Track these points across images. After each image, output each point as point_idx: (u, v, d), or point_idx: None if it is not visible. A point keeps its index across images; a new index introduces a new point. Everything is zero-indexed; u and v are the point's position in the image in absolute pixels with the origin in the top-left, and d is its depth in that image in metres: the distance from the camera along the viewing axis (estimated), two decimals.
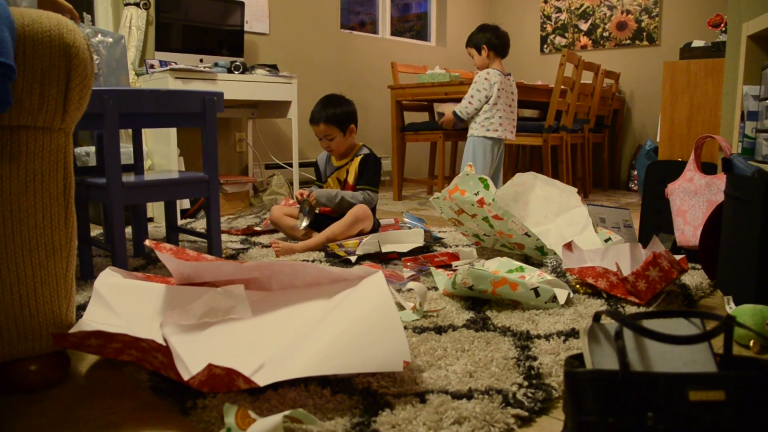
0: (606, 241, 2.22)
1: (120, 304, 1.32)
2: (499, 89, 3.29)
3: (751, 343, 1.41)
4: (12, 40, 1.05)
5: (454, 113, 3.38)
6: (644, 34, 5.22)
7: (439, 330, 1.47)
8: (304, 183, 4.09)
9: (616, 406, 0.78)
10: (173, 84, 3.24)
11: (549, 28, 5.81)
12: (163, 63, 3.50)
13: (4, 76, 1.02)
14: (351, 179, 2.67)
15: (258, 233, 2.91)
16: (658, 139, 4.01)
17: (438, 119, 3.78)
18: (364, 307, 1.21)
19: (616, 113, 5.31)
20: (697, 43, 3.92)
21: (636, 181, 5.10)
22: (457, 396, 1.10)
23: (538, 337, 1.42)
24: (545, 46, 5.86)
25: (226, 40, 3.98)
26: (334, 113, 2.61)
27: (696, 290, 1.84)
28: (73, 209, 1.22)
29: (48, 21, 1.13)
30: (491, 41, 3.32)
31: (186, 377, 1.08)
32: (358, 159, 2.67)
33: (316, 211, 2.62)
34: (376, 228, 2.65)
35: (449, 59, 5.79)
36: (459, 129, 4.05)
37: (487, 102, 3.23)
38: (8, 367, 1.16)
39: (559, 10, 5.73)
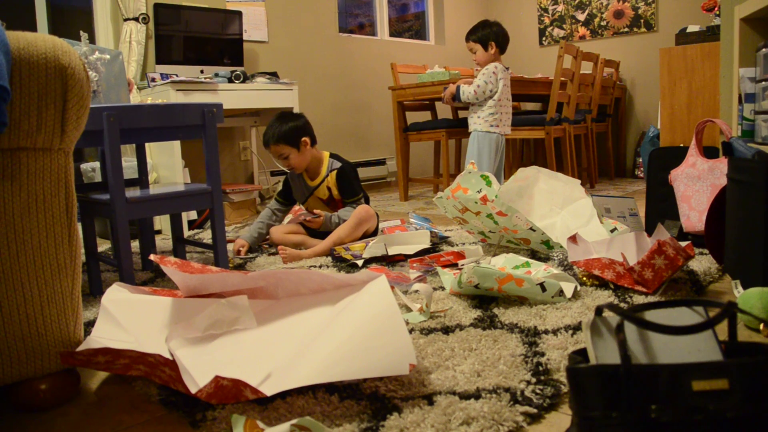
0: (612, 231, 2.21)
1: (127, 320, 1.34)
2: (503, 85, 3.30)
3: (761, 326, 1.40)
4: (7, 63, 1.06)
5: (458, 87, 3.37)
6: (642, 21, 5.19)
7: (447, 330, 1.47)
8: None
9: (619, 400, 0.78)
10: (175, 96, 3.26)
11: (547, 21, 5.80)
12: (164, 76, 3.52)
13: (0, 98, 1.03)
14: (335, 195, 2.64)
15: (265, 241, 2.91)
16: (659, 126, 3.99)
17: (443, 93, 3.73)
18: (369, 311, 1.22)
19: (618, 102, 5.29)
20: (692, 28, 3.90)
21: (642, 168, 5.07)
22: (465, 396, 1.10)
23: (546, 332, 1.42)
24: (544, 38, 5.85)
25: (226, 50, 4.00)
26: (282, 131, 2.55)
27: (704, 276, 1.83)
28: (76, 227, 1.23)
29: (43, 44, 1.14)
30: (498, 37, 3.33)
31: (193, 390, 1.08)
32: (333, 174, 2.62)
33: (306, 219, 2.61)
34: (377, 229, 2.65)
35: (448, 57, 5.79)
36: (455, 124, 4.05)
37: (491, 97, 3.23)
38: (18, 387, 1.17)
39: (555, 2, 5.71)
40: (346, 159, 2.73)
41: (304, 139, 2.59)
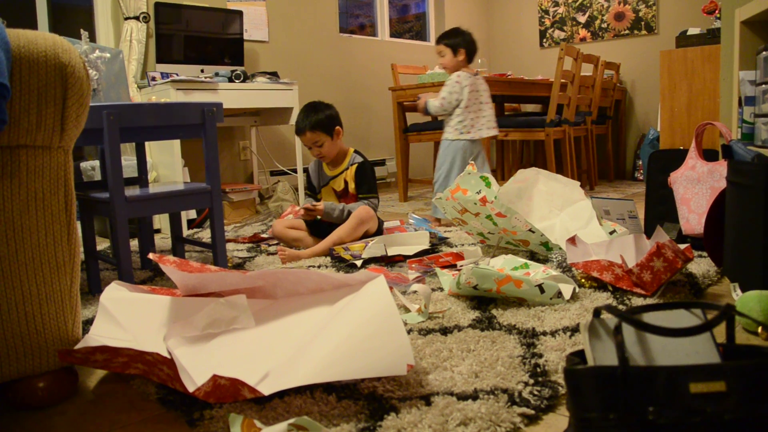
0: (611, 233, 2.21)
1: (126, 318, 1.34)
2: (470, 92, 3.33)
3: (760, 329, 1.40)
4: (7, 61, 1.06)
5: (427, 102, 3.40)
6: (642, 23, 5.20)
7: (445, 331, 1.47)
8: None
9: (616, 401, 0.78)
10: (175, 95, 3.26)
11: (547, 23, 5.80)
12: (164, 75, 3.52)
13: None
14: (351, 189, 2.67)
15: (264, 240, 2.92)
16: (659, 128, 3.99)
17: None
18: (367, 312, 1.22)
19: (618, 104, 5.29)
20: (693, 31, 3.90)
21: (641, 171, 5.08)
22: (462, 397, 1.10)
23: (544, 333, 1.42)
24: (544, 40, 5.85)
25: (226, 50, 4.00)
26: (318, 119, 2.60)
27: (703, 278, 1.83)
28: (75, 226, 1.23)
29: (44, 42, 1.14)
30: (469, 46, 3.38)
31: (191, 389, 1.09)
32: (353, 168, 2.66)
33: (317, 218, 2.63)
34: (380, 229, 2.65)
35: None
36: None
37: (458, 105, 3.26)
38: (16, 385, 1.17)
39: (556, 4, 5.72)
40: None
41: (337, 128, 2.66)
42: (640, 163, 5.08)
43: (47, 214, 1.18)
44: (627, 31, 5.30)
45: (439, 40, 3.40)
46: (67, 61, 1.16)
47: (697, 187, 2.10)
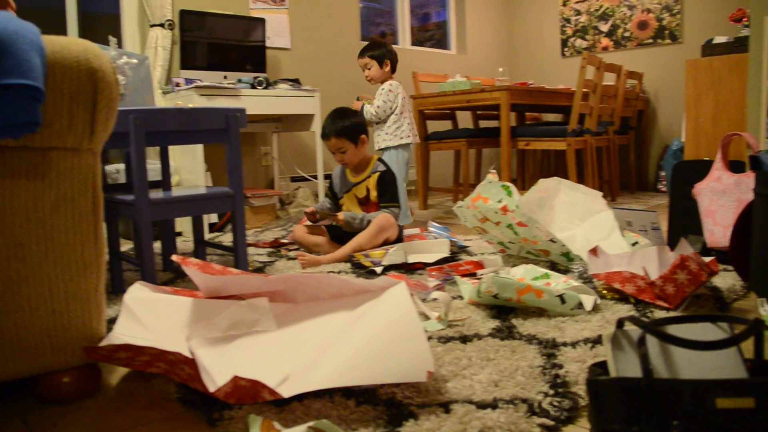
0: (633, 244, 2.19)
1: (148, 318, 1.35)
2: (403, 98, 3.40)
3: None
4: (42, 66, 1.09)
5: (363, 107, 3.46)
6: (666, 32, 5.16)
7: (464, 339, 1.47)
8: None
9: (640, 414, 0.77)
10: (198, 101, 3.30)
11: (569, 31, 5.78)
12: (188, 81, 3.56)
13: (34, 98, 1.06)
14: (373, 197, 2.67)
15: (285, 245, 2.93)
16: (683, 139, 3.94)
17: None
18: (388, 317, 1.22)
19: (641, 114, 5.24)
20: (719, 39, 3.85)
21: (664, 182, 5.02)
22: (481, 406, 1.10)
23: (565, 344, 1.41)
24: (566, 49, 5.83)
25: (249, 57, 4.04)
26: (344, 126, 2.63)
27: (728, 293, 1.81)
28: (102, 226, 1.25)
29: (76, 47, 1.17)
30: (392, 56, 3.53)
31: (212, 389, 1.10)
32: (375, 176, 2.68)
33: (333, 223, 2.65)
34: (400, 237, 2.65)
35: (470, 67, 5.79)
36: (475, 133, 4.04)
37: (393, 113, 3.35)
38: (42, 380, 1.20)
39: (578, 13, 5.69)
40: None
41: (362, 136, 2.68)
42: (663, 174, 5.02)
43: (76, 215, 1.20)
44: (650, 40, 5.26)
45: (362, 53, 3.53)
46: (98, 66, 1.18)
47: (722, 199, 2.08)
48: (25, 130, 1.07)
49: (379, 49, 3.50)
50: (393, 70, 3.53)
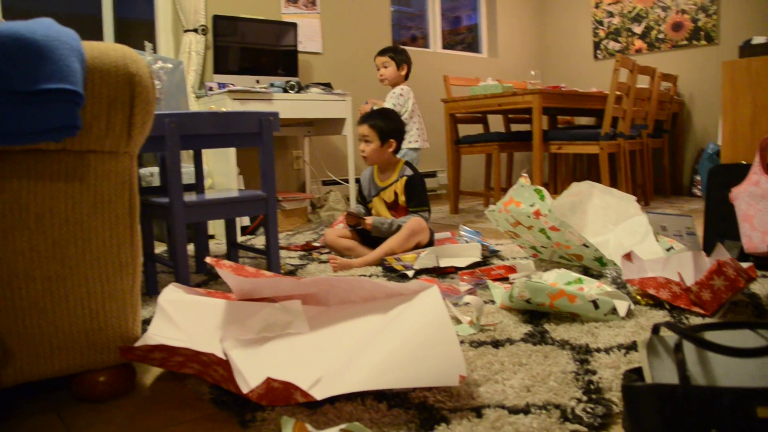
0: (668, 250, 2.15)
1: (182, 319, 1.37)
2: (413, 103, 3.40)
3: None
4: (82, 71, 1.12)
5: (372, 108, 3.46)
6: (702, 33, 5.06)
7: (496, 344, 1.46)
8: None
9: (676, 422, 0.76)
10: (231, 105, 3.34)
11: (602, 34, 5.71)
12: (221, 85, 3.61)
13: (74, 102, 1.08)
14: (401, 201, 2.67)
15: (316, 249, 2.95)
16: (719, 142, 3.86)
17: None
18: (420, 321, 1.22)
19: (676, 117, 5.15)
20: (758, 40, 3.76)
21: (699, 186, 4.92)
22: (514, 411, 1.09)
23: (598, 350, 1.39)
24: (598, 51, 5.76)
25: (281, 61, 4.08)
26: (378, 122, 2.66)
27: (767, 299, 1.76)
28: (138, 228, 1.28)
29: (114, 53, 1.19)
30: (409, 63, 3.59)
31: (245, 390, 1.11)
32: (402, 180, 2.67)
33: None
34: (431, 241, 2.65)
35: (501, 70, 5.75)
36: (507, 137, 4.01)
37: (402, 117, 3.34)
38: (79, 378, 1.23)
39: (611, 15, 5.62)
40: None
41: (391, 141, 2.69)
42: (698, 178, 4.93)
43: (113, 216, 1.23)
44: (685, 42, 5.17)
45: (384, 52, 3.58)
46: (135, 71, 1.20)
47: (761, 204, 2.03)
48: (65, 134, 1.09)
49: (400, 53, 3.57)
50: (406, 76, 3.58)
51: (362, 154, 2.72)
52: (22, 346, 1.15)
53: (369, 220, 2.58)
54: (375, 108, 3.39)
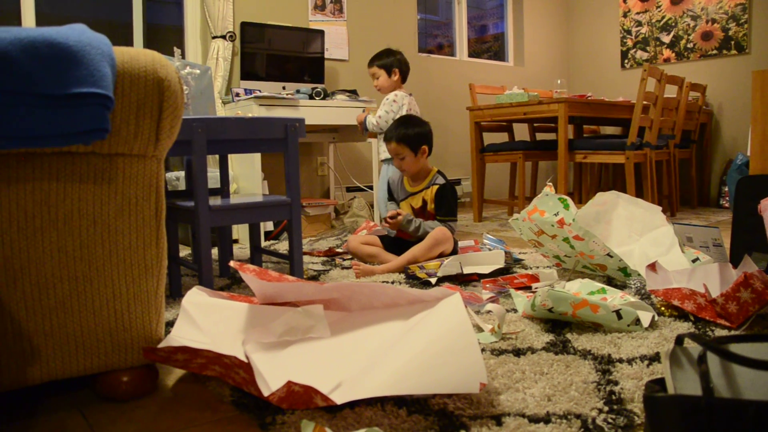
0: (694, 261, 2.12)
1: (205, 322, 1.39)
2: (408, 109, 3.33)
3: None
4: (112, 75, 1.14)
5: (366, 118, 3.40)
6: (732, 42, 4.99)
7: (518, 352, 1.45)
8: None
9: None
10: (257, 111, 3.38)
11: (630, 43, 5.66)
12: (248, 91, 3.66)
13: (104, 106, 1.11)
14: (430, 208, 2.67)
15: (339, 255, 2.96)
16: (749, 153, 3.79)
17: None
18: (441, 328, 1.22)
19: (704, 127, 5.08)
20: None
21: (727, 198, 4.84)
22: (534, 420, 1.08)
23: (620, 361, 1.38)
24: (626, 61, 5.71)
25: (308, 68, 4.12)
26: (406, 134, 2.64)
27: None
28: (163, 231, 1.30)
29: (144, 58, 1.22)
30: (401, 65, 3.44)
31: (266, 393, 1.11)
32: (434, 188, 2.67)
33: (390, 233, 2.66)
34: (455, 251, 2.64)
35: (527, 79, 5.73)
36: (532, 146, 3.99)
37: None
38: (103, 378, 1.25)
39: (639, 24, 5.57)
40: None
41: (423, 147, 2.68)
42: (726, 189, 4.84)
43: (139, 219, 1.25)
44: (714, 51, 5.10)
45: (371, 63, 3.48)
46: (164, 76, 1.23)
47: None
48: (94, 137, 1.12)
49: (387, 57, 3.45)
50: (403, 80, 3.48)
51: (400, 169, 2.72)
52: (48, 344, 1.17)
53: (402, 213, 2.58)
54: (370, 116, 3.39)
